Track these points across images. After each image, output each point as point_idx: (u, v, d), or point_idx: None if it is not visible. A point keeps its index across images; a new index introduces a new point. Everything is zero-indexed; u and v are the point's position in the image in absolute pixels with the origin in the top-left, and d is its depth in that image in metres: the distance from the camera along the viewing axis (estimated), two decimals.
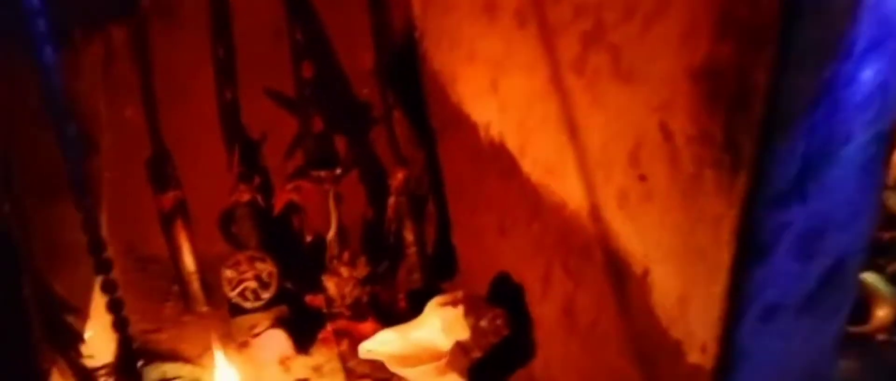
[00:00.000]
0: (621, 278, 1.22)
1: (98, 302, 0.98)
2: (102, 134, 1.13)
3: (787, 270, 0.98)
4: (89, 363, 1.01)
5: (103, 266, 0.83)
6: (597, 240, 1.27)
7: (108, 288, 0.86)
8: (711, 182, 0.97)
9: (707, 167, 0.97)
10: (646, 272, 1.15)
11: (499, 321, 1.58)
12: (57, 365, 0.89)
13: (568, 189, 1.33)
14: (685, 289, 1.07)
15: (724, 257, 0.98)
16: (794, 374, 1.12)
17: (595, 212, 1.26)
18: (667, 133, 1.04)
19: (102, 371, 1.06)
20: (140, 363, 0.99)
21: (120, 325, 0.94)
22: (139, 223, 1.89)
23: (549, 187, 1.40)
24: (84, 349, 0.98)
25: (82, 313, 0.96)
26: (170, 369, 1.51)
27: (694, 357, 1.08)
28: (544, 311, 1.52)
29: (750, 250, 0.96)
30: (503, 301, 1.62)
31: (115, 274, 1.86)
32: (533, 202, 1.48)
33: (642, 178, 1.11)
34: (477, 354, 1.57)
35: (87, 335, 1.00)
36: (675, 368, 1.12)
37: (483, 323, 1.57)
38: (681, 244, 1.06)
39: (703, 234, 1.01)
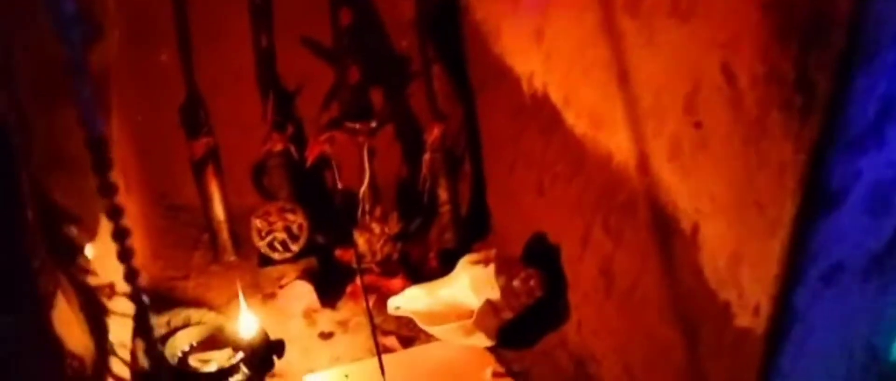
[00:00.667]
0: (667, 236, 1.14)
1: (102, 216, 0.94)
2: (111, 20, 1.04)
3: (857, 225, 0.90)
4: (93, 280, 0.98)
5: (107, 189, 0.78)
6: (642, 195, 1.19)
7: (112, 214, 0.81)
8: (778, 126, 0.89)
9: (774, 109, 0.89)
10: (695, 229, 1.07)
11: (532, 282, 1.52)
12: (61, 288, 0.86)
13: (614, 141, 1.25)
14: (739, 246, 0.99)
15: (786, 209, 0.90)
16: (851, 344, 1.04)
17: (643, 164, 1.18)
18: (729, 74, 0.95)
19: (106, 291, 1.03)
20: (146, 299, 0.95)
21: (125, 255, 0.89)
22: (171, 171, 1.86)
23: (593, 140, 1.33)
24: (86, 264, 0.94)
25: (84, 225, 0.92)
26: (194, 314, 1.49)
27: (744, 320, 1.00)
28: (580, 273, 1.45)
29: (817, 201, 0.87)
30: (538, 263, 1.56)
31: (146, 220, 1.86)
32: (575, 157, 1.40)
33: (698, 125, 1.03)
34: (507, 314, 1.51)
35: (89, 251, 0.96)
36: (722, 333, 1.04)
37: (515, 283, 1.51)
38: (737, 196, 0.98)
39: (763, 184, 0.93)
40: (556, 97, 1.44)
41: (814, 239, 0.90)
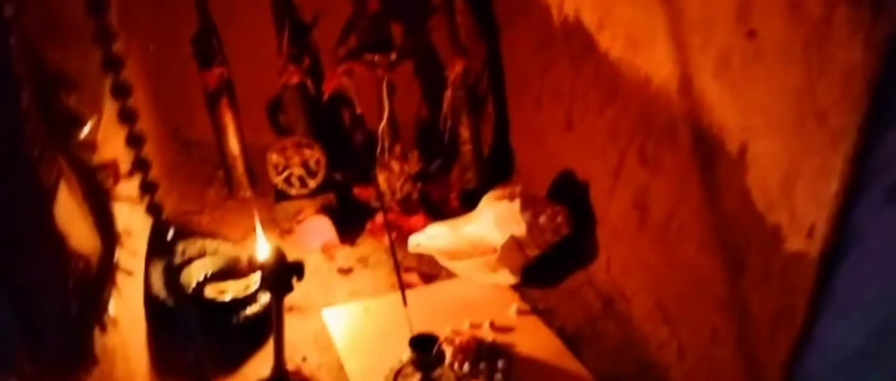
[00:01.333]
0: (710, 159, 1.07)
1: (105, 90, 0.87)
2: None
3: None
4: (95, 159, 0.92)
5: (112, 62, 0.72)
6: (684, 118, 1.12)
7: (119, 92, 0.75)
8: (845, 24, 0.81)
9: (841, 5, 0.81)
10: (743, 148, 1.00)
11: (559, 219, 1.46)
12: (64, 176, 0.80)
13: (653, 62, 1.18)
14: (794, 162, 0.92)
15: (851, 118, 0.83)
16: None
17: (685, 84, 1.10)
18: None
19: (110, 172, 0.97)
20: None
21: (134, 142, 0.83)
22: (184, 106, 1.81)
23: (630, 63, 1.25)
24: (87, 138, 0.88)
25: (82, 91, 0.85)
26: (210, 244, 1.44)
27: (796, 243, 0.93)
28: (611, 208, 1.39)
29: (887, 109, 0.80)
30: (564, 200, 1.50)
31: (160, 154, 1.81)
32: (608, 85, 1.33)
33: (751, 34, 0.96)
34: (533, 252, 1.45)
35: (88, 126, 0.89)
36: (770, 259, 0.98)
37: (541, 220, 1.45)
38: (794, 108, 0.90)
39: (825, 92, 0.86)
40: (588, 21, 1.36)
41: (880, 151, 0.83)
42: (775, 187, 0.95)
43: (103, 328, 0.90)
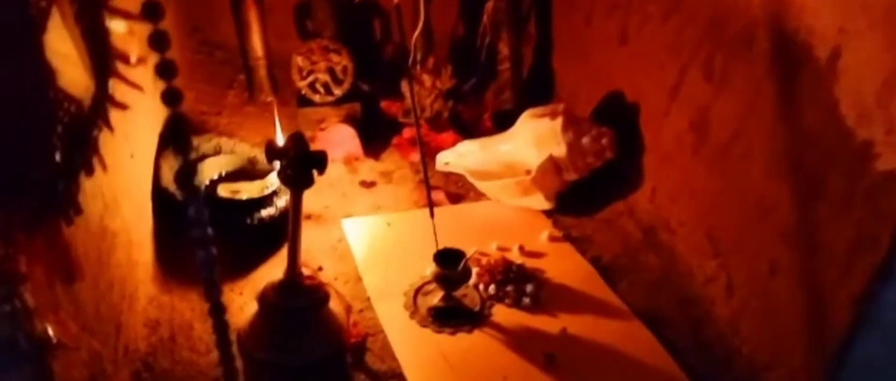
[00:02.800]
0: (792, 69, 0.94)
1: None
2: None
3: None
4: None
5: None
6: (765, 22, 0.98)
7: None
8: None
9: None
10: (835, 54, 0.87)
11: (604, 141, 1.33)
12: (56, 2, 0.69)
13: None
14: None
15: None
16: None
17: None
18: None
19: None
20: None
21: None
22: (208, 4, 1.70)
23: None
24: None
25: None
26: (226, 142, 1.35)
27: (890, 162, 0.81)
28: (664, 130, 1.26)
29: None
30: (610, 123, 1.37)
31: (177, 52, 1.71)
32: None
33: None
34: (571, 176, 1.34)
35: None
36: (854, 181, 0.85)
37: (584, 141, 1.33)
38: None
39: None
40: None
41: None
42: (871, 98, 0.82)
43: (90, 171, 0.81)
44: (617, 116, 1.39)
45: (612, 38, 1.41)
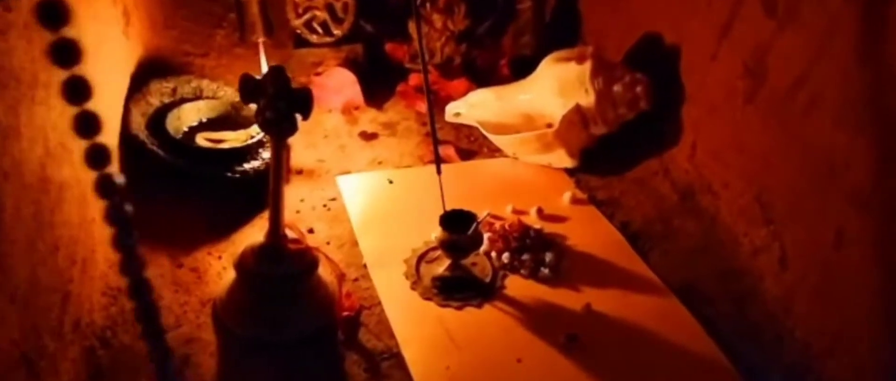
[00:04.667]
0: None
1: None
2: None
3: None
4: None
5: None
6: None
7: None
8: None
9: None
10: None
11: (639, 89, 1.16)
12: None
13: None
14: None
15: None
16: None
17: None
18: None
19: None
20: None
21: None
22: None
23: None
24: None
25: None
26: (208, 86, 1.20)
27: None
28: (709, 77, 1.09)
29: None
30: (645, 70, 1.20)
31: None
32: None
33: None
34: (599, 129, 1.18)
35: None
36: None
37: (616, 88, 1.16)
38: None
39: None
40: None
41: None
42: None
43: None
44: (653, 62, 1.21)
45: None
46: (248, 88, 0.78)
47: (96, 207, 0.90)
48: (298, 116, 0.80)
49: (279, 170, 0.83)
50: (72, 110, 0.45)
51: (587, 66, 1.16)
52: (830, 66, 0.85)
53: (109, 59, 1.01)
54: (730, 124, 1.04)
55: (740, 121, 1.01)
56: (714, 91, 1.08)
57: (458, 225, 0.95)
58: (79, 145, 0.85)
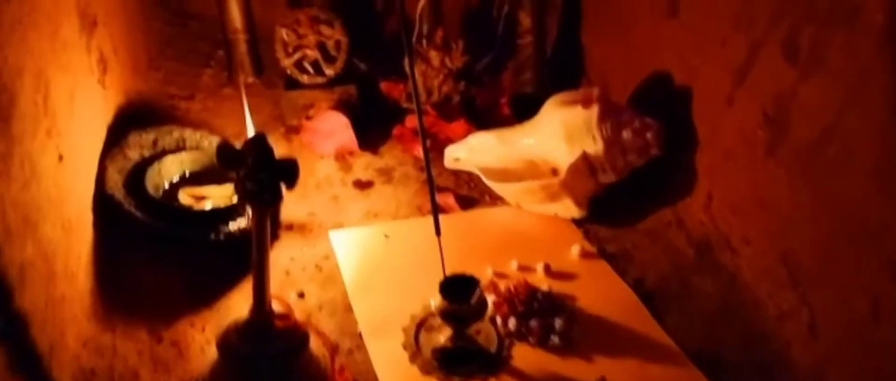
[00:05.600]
0: None
1: None
2: None
3: None
4: None
5: None
6: None
7: None
8: None
9: None
10: None
11: (649, 135, 1.10)
12: None
13: None
14: None
15: None
16: None
17: None
18: None
19: None
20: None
21: None
22: None
23: None
24: None
25: None
26: (191, 135, 1.13)
27: None
28: (725, 122, 1.02)
29: None
30: (653, 112, 1.13)
31: (145, 22, 1.48)
32: None
33: None
34: (609, 178, 1.11)
35: None
36: None
37: (625, 135, 1.10)
38: None
39: None
40: None
41: None
42: None
43: None
44: (662, 103, 1.15)
45: (658, 8, 1.16)
46: (227, 157, 0.71)
47: (66, 281, 0.83)
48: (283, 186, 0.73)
49: (262, 242, 0.75)
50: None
51: (594, 110, 1.09)
52: (862, 119, 0.79)
53: (83, 114, 0.94)
54: (749, 175, 0.97)
55: (761, 173, 0.94)
56: (730, 138, 1.01)
57: (459, 292, 0.88)
58: (53, 215, 0.78)
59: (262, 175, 0.70)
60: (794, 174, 0.89)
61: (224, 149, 0.71)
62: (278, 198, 0.73)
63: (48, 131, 0.82)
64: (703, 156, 1.08)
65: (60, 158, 0.85)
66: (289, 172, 0.71)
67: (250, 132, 0.92)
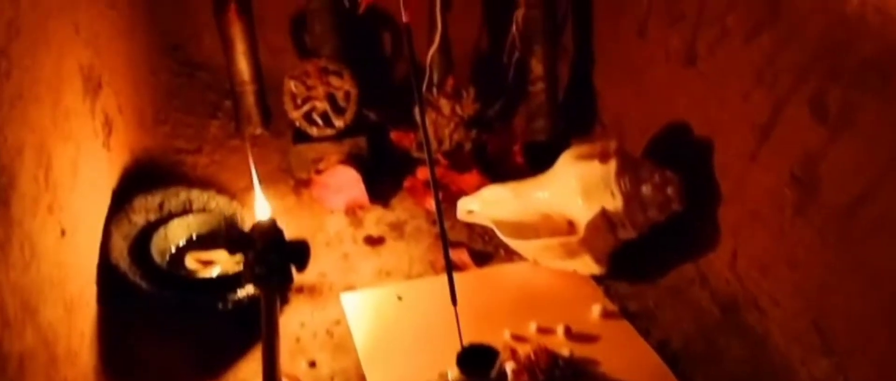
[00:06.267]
0: None
1: None
2: None
3: None
4: None
5: None
6: None
7: None
8: None
9: None
10: None
11: (670, 190, 1.06)
12: None
13: None
14: None
15: None
16: None
17: None
18: None
19: None
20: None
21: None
22: (190, 17, 1.45)
23: None
24: None
25: None
26: (198, 196, 1.10)
27: None
28: (749, 178, 0.99)
29: None
30: (671, 163, 1.10)
31: (152, 75, 1.47)
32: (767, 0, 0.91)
33: None
34: (629, 234, 1.07)
35: None
36: None
37: (645, 190, 1.06)
38: None
39: None
40: None
41: None
42: None
43: None
44: (680, 154, 1.11)
45: (675, 56, 1.13)
46: (234, 240, 0.68)
47: (68, 364, 0.80)
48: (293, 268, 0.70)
49: (272, 327, 0.72)
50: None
51: (612, 165, 1.06)
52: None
53: (86, 182, 0.92)
54: (777, 235, 0.93)
55: (790, 233, 0.91)
56: (756, 195, 0.97)
57: (478, 363, 0.84)
58: (54, 296, 0.75)
59: (272, 257, 0.67)
60: (825, 236, 0.85)
61: (230, 231, 0.69)
62: (289, 281, 0.70)
63: (49, 207, 0.79)
64: (726, 212, 1.04)
65: (62, 233, 0.82)
66: (299, 254, 0.68)
67: (259, 198, 0.89)
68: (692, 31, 1.08)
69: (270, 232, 0.67)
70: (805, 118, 0.86)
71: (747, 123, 0.97)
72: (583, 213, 1.07)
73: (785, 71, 0.89)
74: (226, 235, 0.68)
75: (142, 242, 0.99)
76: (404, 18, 1.00)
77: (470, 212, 1.19)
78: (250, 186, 1.21)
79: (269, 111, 1.42)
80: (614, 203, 1.05)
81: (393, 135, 1.38)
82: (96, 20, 1.00)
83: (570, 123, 1.40)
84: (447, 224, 1.16)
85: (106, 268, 0.94)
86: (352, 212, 1.24)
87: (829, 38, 0.81)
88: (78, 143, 0.90)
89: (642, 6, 1.21)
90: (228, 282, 0.97)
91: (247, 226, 0.95)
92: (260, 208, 0.74)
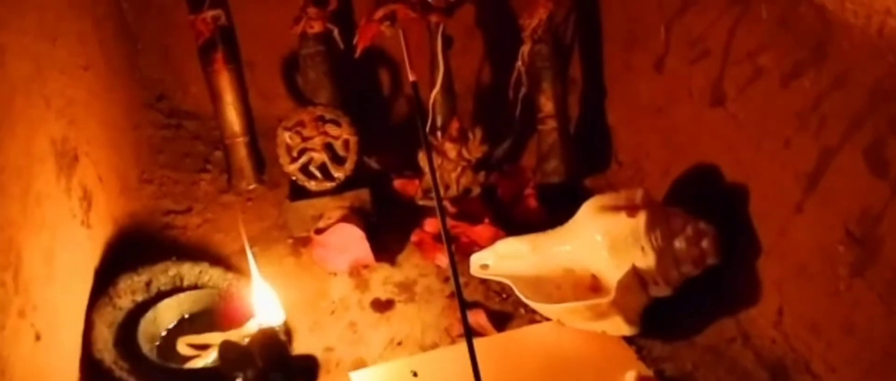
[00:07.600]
0: None
1: None
2: None
3: None
4: None
5: None
6: None
7: None
8: None
9: None
10: None
11: (705, 243, 0.97)
12: None
13: None
14: None
15: None
16: None
17: None
18: None
19: None
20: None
21: None
22: (176, 64, 1.37)
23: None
24: None
25: None
26: (189, 271, 1.00)
27: None
28: (794, 231, 0.90)
29: None
30: (700, 209, 1.01)
31: (135, 129, 1.38)
32: (808, 37, 0.83)
33: None
34: (662, 291, 0.98)
35: None
36: None
37: (678, 244, 0.97)
38: None
39: None
40: None
41: None
42: None
43: None
44: (710, 200, 1.03)
45: (699, 95, 1.05)
46: (232, 358, 0.59)
47: None
48: None
49: None
50: None
51: (641, 219, 0.97)
52: None
53: (64, 272, 0.82)
54: (830, 296, 0.85)
55: (846, 295, 0.82)
56: (803, 250, 0.89)
57: None
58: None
59: (276, 376, 0.58)
60: (889, 302, 0.77)
61: (227, 349, 0.59)
62: None
63: (21, 312, 0.70)
64: (768, 265, 0.96)
65: (37, 337, 0.73)
66: (306, 372, 0.59)
67: (255, 278, 0.80)
68: (718, 69, 0.99)
69: (271, 345, 0.58)
70: (860, 170, 0.78)
71: (790, 171, 0.89)
72: (611, 270, 0.98)
73: (833, 117, 0.81)
74: (221, 354, 0.59)
75: (128, 329, 0.89)
76: (410, 77, 0.93)
77: (484, 267, 1.10)
78: (243, 248, 1.12)
79: (263, 161, 1.34)
80: (646, 260, 0.96)
81: (396, 183, 1.29)
82: (69, 87, 0.91)
83: (586, 163, 1.32)
84: (461, 281, 1.07)
85: (89, 364, 0.84)
86: (356, 273, 1.14)
87: (886, 87, 0.73)
88: (53, 229, 0.80)
89: (659, 40, 1.13)
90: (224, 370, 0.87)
91: (243, 299, 0.87)
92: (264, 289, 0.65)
